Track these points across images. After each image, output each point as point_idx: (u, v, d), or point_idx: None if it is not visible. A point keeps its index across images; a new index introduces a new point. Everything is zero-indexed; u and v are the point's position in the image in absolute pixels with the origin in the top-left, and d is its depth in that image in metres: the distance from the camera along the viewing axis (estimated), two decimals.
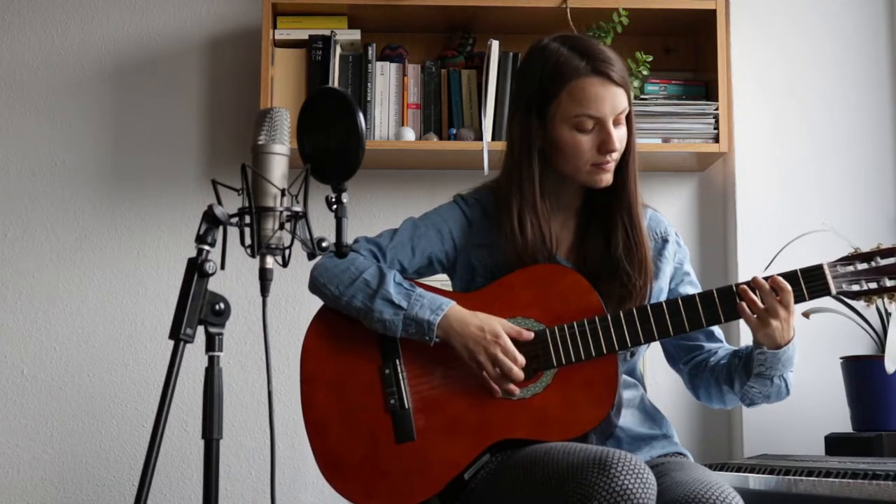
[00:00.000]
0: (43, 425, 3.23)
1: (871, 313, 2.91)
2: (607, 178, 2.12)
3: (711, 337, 2.23)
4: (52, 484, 3.22)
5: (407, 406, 2.09)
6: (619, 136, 2.09)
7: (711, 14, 3.21)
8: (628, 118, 2.13)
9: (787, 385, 2.10)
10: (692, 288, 2.24)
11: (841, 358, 2.95)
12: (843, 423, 2.95)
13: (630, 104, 2.12)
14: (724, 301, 2.04)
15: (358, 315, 2.12)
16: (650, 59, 3.19)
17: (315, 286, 2.18)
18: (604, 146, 2.08)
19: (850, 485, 2.11)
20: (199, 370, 1.74)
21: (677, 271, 2.24)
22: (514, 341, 2.06)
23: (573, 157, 2.10)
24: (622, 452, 1.85)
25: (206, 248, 1.74)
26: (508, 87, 3.13)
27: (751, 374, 2.07)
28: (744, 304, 2.01)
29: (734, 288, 2.03)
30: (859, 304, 2.84)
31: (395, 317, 2.08)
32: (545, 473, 1.89)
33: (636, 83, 3.20)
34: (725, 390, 2.15)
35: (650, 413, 2.21)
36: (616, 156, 2.11)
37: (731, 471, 2.56)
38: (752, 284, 2.02)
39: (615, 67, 2.09)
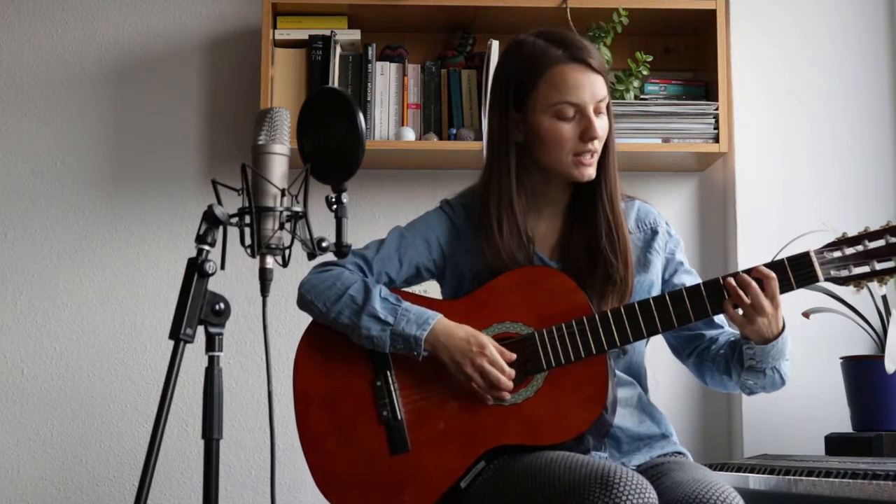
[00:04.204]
0: (43, 425, 3.23)
1: (871, 313, 2.90)
2: (590, 172, 2.10)
3: (711, 324, 2.21)
4: (52, 484, 3.22)
5: (400, 417, 2.08)
6: (600, 125, 2.08)
7: (711, 14, 3.21)
8: (608, 109, 2.12)
9: (781, 376, 2.09)
10: (688, 276, 2.22)
11: (841, 358, 2.94)
12: (843, 423, 2.95)
13: (609, 94, 2.12)
14: (711, 294, 2.02)
15: (346, 331, 2.11)
16: (650, 59, 3.19)
17: (303, 302, 2.18)
18: (586, 133, 2.07)
19: (850, 485, 2.10)
20: (199, 370, 1.74)
21: (670, 262, 2.22)
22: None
23: (555, 147, 2.09)
24: (624, 469, 1.84)
25: (206, 248, 1.74)
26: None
27: (744, 367, 2.08)
28: (728, 304, 2.00)
29: (720, 281, 2.02)
30: (855, 299, 2.84)
31: (382, 333, 2.07)
32: (546, 491, 1.88)
33: (636, 83, 3.20)
34: (726, 379, 2.15)
35: (649, 412, 2.20)
36: (598, 145, 2.09)
37: (731, 471, 2.56)
38: (737, 280, 2.00)
39: (593, 55, 2.09)
